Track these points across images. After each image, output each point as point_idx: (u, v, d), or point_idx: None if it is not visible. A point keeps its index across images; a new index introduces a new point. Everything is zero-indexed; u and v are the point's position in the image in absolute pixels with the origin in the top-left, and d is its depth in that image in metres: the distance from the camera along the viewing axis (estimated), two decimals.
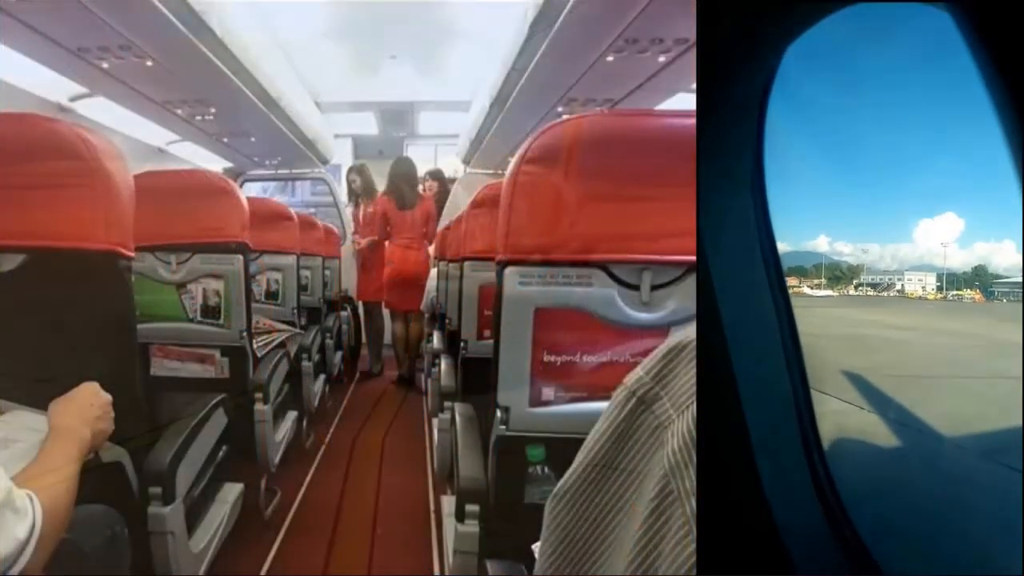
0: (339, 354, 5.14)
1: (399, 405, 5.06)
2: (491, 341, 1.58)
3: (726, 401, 0.79)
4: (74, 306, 1.48)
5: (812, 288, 1.87)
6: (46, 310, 1.47)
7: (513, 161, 1.52)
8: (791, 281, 1.69)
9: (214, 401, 1.93)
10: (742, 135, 0.79)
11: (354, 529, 2.86)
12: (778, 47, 0.79)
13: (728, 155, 0.77)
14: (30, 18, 2.74)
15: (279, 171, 6.93)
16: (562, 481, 0.73)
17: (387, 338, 5.84)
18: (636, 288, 1.52)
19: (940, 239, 1.75)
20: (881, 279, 1.87)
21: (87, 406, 1.26)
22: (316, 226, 4.81)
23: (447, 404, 2.57)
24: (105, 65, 3.36)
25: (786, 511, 0.80)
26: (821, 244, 2.06)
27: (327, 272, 4.99)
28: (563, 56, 3.35)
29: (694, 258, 0.83)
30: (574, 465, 0.71)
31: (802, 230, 1.96)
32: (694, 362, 0.67)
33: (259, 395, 2.48)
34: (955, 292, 1.72)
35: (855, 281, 1.88)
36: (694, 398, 0.63)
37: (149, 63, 3.35)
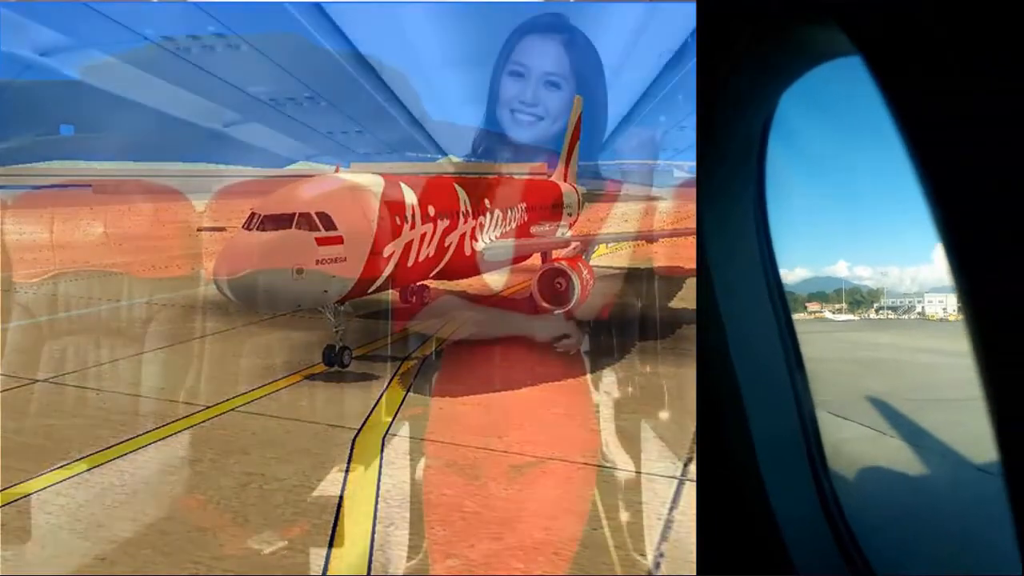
0: None
1: None
2: None
3: (732, 414, 0.85)
4: None
5: (833, 313, 1.90)
6: None
7: None
8: (813, 306, 1.74)
9: None
10: (746, 169, 0.85)
11: None
12: (776, 90, 0.87)
13: (732, 192, 0.84)
14: None
15: None
16: None
17: None
18: None
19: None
20: (901, 302, 1.90)
21: None
22: None
23: None
24: None
25: (790, 516, 0.85)
26: (840, 269, 2.09)
27: None
28: None
29: None
30: None
31: (822, 256, 2.01)
32: None
33: None
34: None
35: (875, 304, 1.90)
36: None
37: None
